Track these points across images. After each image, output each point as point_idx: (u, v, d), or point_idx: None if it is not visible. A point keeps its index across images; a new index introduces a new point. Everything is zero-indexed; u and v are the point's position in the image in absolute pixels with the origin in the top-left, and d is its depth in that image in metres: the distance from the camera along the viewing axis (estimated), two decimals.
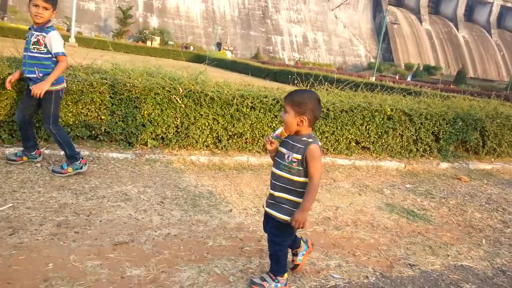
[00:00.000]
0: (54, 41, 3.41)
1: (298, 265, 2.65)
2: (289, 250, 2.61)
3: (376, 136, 5.61)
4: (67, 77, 3.99)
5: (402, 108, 5.60)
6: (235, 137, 4.86)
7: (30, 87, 3.44)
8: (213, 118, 4.64)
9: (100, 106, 4.13)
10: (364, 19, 77.22)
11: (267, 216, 2.45)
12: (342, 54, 74.61)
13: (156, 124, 4.40)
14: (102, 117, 4.18)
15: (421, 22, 75.49)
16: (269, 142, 2.38)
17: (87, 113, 4.11)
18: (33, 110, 3.65)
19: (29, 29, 3.48)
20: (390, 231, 3.55)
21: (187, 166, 4.42)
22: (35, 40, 3.38)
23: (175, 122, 4.48)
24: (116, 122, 4.25)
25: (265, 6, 71.76)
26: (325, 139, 5.33)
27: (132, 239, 2.82)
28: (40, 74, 3.43)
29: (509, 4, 79.02)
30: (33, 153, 3.76)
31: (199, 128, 4.62)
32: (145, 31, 57.35)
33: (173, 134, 4.54)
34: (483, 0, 78.27)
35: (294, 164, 2.25)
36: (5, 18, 49.35)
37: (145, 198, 3.50)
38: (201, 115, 4.57)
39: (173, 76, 4.78)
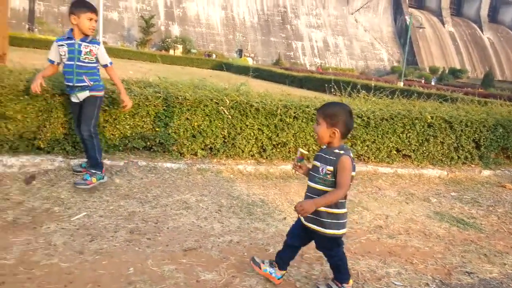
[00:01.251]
0: (104, 53, 3.65)
1: (259, 267, 2.59)
2: (274, 257, 2.61)
3: (417, 144, 5.65)
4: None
5: (442, 115, 5.63)
6: (279, 146, 4.99)
7: (76, 96, 3.61)
8: (258, 128, 4.79)
9: (154, 119, 4.34)
10: (384, 22, 76.54)
11: (304, 230, 2.47)
12: (364, 58, 74.05)
13: (205, 135, 4.58)
14: (157, 129, 4.38)
15: (443, 24, 74.32)
16: (298, 167, 2.51)
17: (143, 125, 4.32)
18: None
19: (67, 39, 3.52)
20: (443, 240, 3.60)
21: (235, 175, 4.58)
22: (87, 50, 3.54)
23: (222, 133, 4.65)
24: (169, 134, 4.45)
25: (284, 11, 72.01)
26: (366, 148, 5.41)
27: (200, 245, 2.98)
28: (91, 82, 3.60)
29: None
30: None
31: (245, 138, 4.78)
32: (167, 39, 58.37)
33: (221, 144, 4.71)
34: (507, 0, 76.45)
35: (328, 176, 2.30)
36: (35, 29, 51.13)
37: (204, 206, 3.66)
38: (247, 125, 4.72)
39: (217, 88, 4.96)
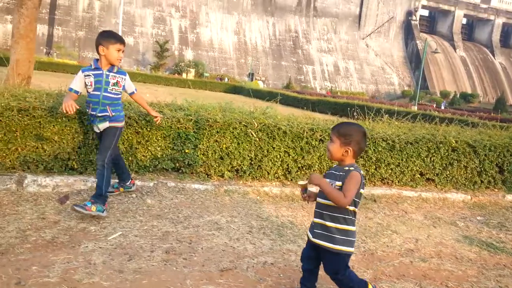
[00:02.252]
0: (130, 81, 3.72)
1: None
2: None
3: (440, 168, 5.65)
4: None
5: (466, 139, 5.64)
6: (304, 168, 5.03)
7: (97, 126, 3.59)
8: (285, 150, 4.85)
9: (185, 141, 4.43)
10: (395, 47, 77.22)
11: (314, 248, 2.47)
12: (374, 82, 74.43)
13: (233, 157, 4.65)
14: (186, 151, 4.47)
15: (455, 49, 74.69)
16: (307, 199, 2.55)
17: (173, 147, 4.41)
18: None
19: (94, 69, 3.51)
20: (475, 263, 3.57)
21: (262, 197, 4.61)
22: (115, 81, 3.54)
23: (249, 155, 4.72)
24: (198, 155, 4.53)
25: (295, 36, 73.21)
26: (390, 171, 5.41)
27: (235, 266, 2.99)
28: (113, 113, 3.57)
29: None
30: (128, 183, 4.01)
31: (271, 161, 4.84)
32: (180, 63, 59.60)
33: (247, 166, 4.77)
34: None
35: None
36: (53, 53, 52.62)
37: (235, 227, 3.69)
38: (274, 148, 4.79)
39: (244, 110, 5.06)
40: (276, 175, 4.95)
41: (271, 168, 4.87)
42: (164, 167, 4.45)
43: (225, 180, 4.75)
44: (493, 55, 76.41)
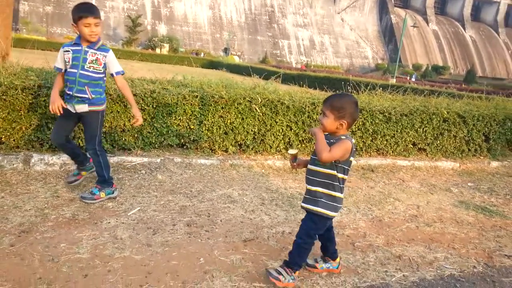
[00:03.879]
0: (114, 60, 3.27)
1: (315, 268, 2.68)
2: (322, 253, 2.72)
3: (432, 138, 5.87)
4: (161, 90, 4.29)
5: (457, 110, 5.86)
6: (305, 142, 5.14)
7: (73, 107, 3.24)
8: (287, 125, 4.92)
9: (190, 117, 4.43)
10: (370, 21, 77.39)
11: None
12: (349, 56, 74.77)
13: (237, 132, 4.69)
14: (192, 127, 4.48)
15: (427, 23, 75.56)
16: (296, 166, 2.61)
17: (179, 123, 4.41)
18: (69, 131, 3.47)
19: (74, 45, 3.18)
20: (474, 226, 3.80)
21: (266, 170, 4.70)
22: (94, 58, 3.17)
23: (253, 130, 4.77)
24: (203, 131, 4.55)
25: (271, 11, 72.20)
26: (385, 142, 5.59)
27: (256, 236, 3.10)
28: (92, 95, 3.21)
29: None
30: (87, 164, 3.61)
31: (273, 135, 4.91)
32: (154, 38, 57.96)
33: (251, 140, 4.83)
34: (489, 0, 78.21)
35: None
36: (18, 30, 50.14)
37: (248, 200, 3.78)
38: (276, 122, 4.85)
39: (244, 86, 5.07)
40: (278, 148, 5.03)
41: (273, 142, 4.95)
42: (170, 143, 4.46)
43: (229, 155, 4.81)
44: (464, 29, 77.85)
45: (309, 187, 2.47)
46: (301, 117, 4.93)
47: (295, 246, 2.48)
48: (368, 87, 6.21)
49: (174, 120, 4.37)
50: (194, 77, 5.01)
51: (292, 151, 2.60)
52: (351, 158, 2.38)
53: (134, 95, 4.13)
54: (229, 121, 4.60)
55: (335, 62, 72.21)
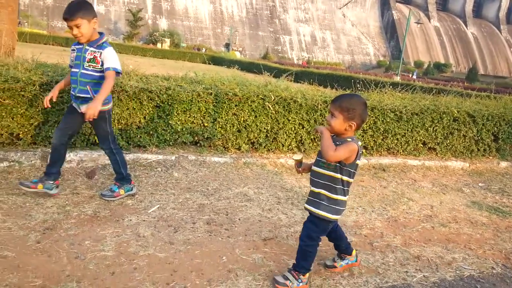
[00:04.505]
0: (110, 56, 3.09)
1: (335, 267, 2.69)
2: (336, 252, 2.74)
3: (442, 137, 5.89)
4: (176, 87, 4.30)
5: (467, 110, 5.87)
6: (316, 140, 5.15)
7: (78, 107, 3.18)
8: (299, 123, 4.93)
9: (204, 114, 4.44)
10: (372, 17, 77.24)
11: None
12: (351, 52, 74.69)
13: (250, 129, 4.71)
14: (205, 124, 4.49)
15: (429, 19, 75.41)
16: (301, 171, 2.60)
17: (193, 121, 4.42)
18: (74, 130, 3.32)
19: (78, 44, 3.12)
20: (489, 227, 3.83)
21: (279, 168, 4.72)
22: (91, 57, 3.07)
23: (266, 127, 4.79)
24: (216, 129, 4.56)
25: (272, 6, 72.00)
26: (396, 141, 5.61)
27: (275, 235, 3.12)
28: (95, 94, 3.08)
29: None
30: (51, 182, 3.25)
31: (286, 133, 4.92)
32: (155, 33, 57.78)
33: (263, 138, 4.84)
34: None
35: None
36: (20, 24, 49.93)
37: (264, 199, 3.80)
38: (289, 120, 4.87)
39: (257, 83, 5.08)
40: (290, 147, 5.05)
41: (285, 140, 4.96)
42: (184, 140, 4.47)
43: (242, 153, 4.82)
44: (466, 25, 77.75)
45: (313, 188, 2.44)
46: (313, 115, 4.94)
47: (299, 249, 2.46)
48: (378, 86, 6.21)
49: (189, 117, 4.38)
50: (205, 74, 5.00)
51: (296, 157, 2.58)
52: (357, 161, 2.34)
53: (150, 91, 4.15)
54: (242, 118, 4.61)
55: (337, 58, 72.13)
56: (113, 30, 60.20)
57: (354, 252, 2.75)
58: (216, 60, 35.67)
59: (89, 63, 3.08)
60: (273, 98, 4.68)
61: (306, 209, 2.49)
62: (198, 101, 4.34)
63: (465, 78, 50.38)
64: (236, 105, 4.54)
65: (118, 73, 3.14)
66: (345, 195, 2.39)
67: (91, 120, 3.02)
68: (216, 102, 4.45)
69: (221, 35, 66.85)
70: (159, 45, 52.42)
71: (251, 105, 4.61)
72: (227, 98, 4.47)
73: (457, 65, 72.84)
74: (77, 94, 3.13)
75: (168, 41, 56.67)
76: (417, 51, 73.94)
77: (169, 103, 4.23)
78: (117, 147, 3.43)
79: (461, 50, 76.62)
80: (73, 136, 3.43)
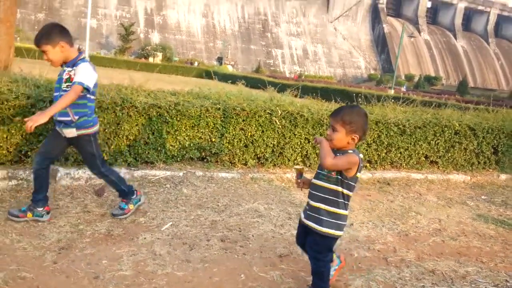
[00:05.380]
0: (80, 70, 2.92)
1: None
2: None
3: (444, 151, 5.95)
4: (185, 103, 4.32)
5: (467, 123, 5.96)
6: None
7: (61, 131, 3.03)
8: (305, 137, 4.96)
9: (212, 130, 4.46)
10: (363, 30, 78.34)
11: (303, 228, 2.46)
12: (342, 66, 75.47)
13: (257, 144, 4.72)
14: (213, 140, 4.50)
15: (419, 32, 76.69)
16: (301, 185, 2.53)
17: (201, 136, 4.43)
18: (56, 155, 3.22)
19: (61, 66, 3.04)
20: (497, 240, 3.86)
21: (286, 183, 4.73)
22: (67, 77, 2.95)
23: (272, 142, 4.81)
24: (224, 144, 4.57)
25: (264, 19, 72.77)
26: (399, 155, 5.66)
27: (290, 252, 3.11)
28: (76, 117, 2.96)
29: (505, 13, 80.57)
30: (41, 209, 3.11)
31: (292, 148, 4.95)
32: (147, 47, 57.90)
33: (270, 153, 4.86)
34: (480, 10, 79.73)
35: (332, 173, 2.27)
36: (16, 38, 49.66)
37: (275, 214, 3.80)
38: (295, 135, 4.90)
39: (262, 98, 5.12)
40: (295, 161, 5.07)
41: (291, 155, 4.98)
42: (191, 156, 4.47)
43: (248, 168, 4.83)
44: (455, 38, 79.17)
45: (312, 202, 2.38)
46: (319, 129, 4.98)
47: (312, 270, 2.43)
48: (381, 100, 6.29)
49: (197, 132, 4.39)
50: (210, 89, 5.03)
51: (298, 167, 2.56)
52: (358, 174, 2.28)
53: (159, 107, 4.15)
54: (249, 133, 4.63)
55: (328, 72, 72.79)
56: (105, 44, 60.30)
57: (333, 256, 2.65)
58: (209, 74, 35.82)
59: (66, 84, 2.95)
60: (280, 112, 4.72)
61: (305, 224, 2.41)
62: (206, 116, 4.36)
63: (455, 90, 51.20)
64: (243, 120, 4.56)
65: (86, 89, 2.91)
66: (346, 209, 2.34)
67: (32, 132, 2.83)
68: (224, 117, 4.47)
69: (213, 49, 67.29)
70: (151, 59, 52.49)
71: (258, 120, 4.64)
72: (235, 113, 4.49)
73: (447, 78, 73.94)
74: (58, 118, 2.98)
75: (160, 55, 56.80)
76: (407, 64, 74.97)
77: (178, 119, 4.24)
78: (107, 167, 3.29)
79: (451, 63, 77.87)
80: (54, 160, 3.30)
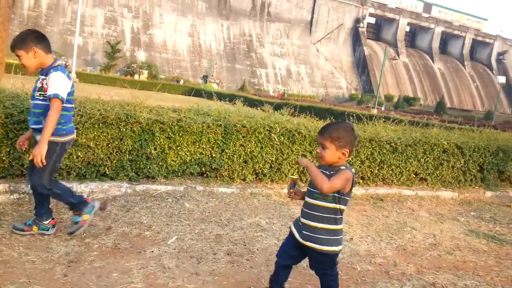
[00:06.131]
0: (53, 81, 2.83)
1: None
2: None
3: (432, 168, 6.15)
4: (187, 119, 4.39)
5: (455, 141, 6.19)
6: None
7: (34, 138, 2.98)
8: (302, 154, 5.07)
9: (213, 145, 4.52)
10: (344, 52, 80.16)
11: (297, 246, 2.40)
12: (324, 86, 76.78)
13: (256, 160, 4.81)
14: (214, 155, 4.56)
15: (398, 55, 78.93)
16: (293, 194, 2.50)
17: (201, 152, 4.49)
18: None
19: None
20: (490, 254, 4.00)
21: (284, 199, 4.80)
22: (40, 85, 2.89)
23: (271, 158, 4.90)
24: (224, 160, 4.64)
25: (249, 40, 73.82)
26: (391, 172, 5.82)
27: (296, 265, 3.16)
28: None
29: (479, 38, 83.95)
30: (46, 222, 3.09)
31: (289, 164, 5.04)
32: (133, 64, 57.89)
33: (268, 169, 4.94)
34: (456, 34, 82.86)
35: None
36: None
37: (276, 229, 3.86)
38: (293, 151, 5.00)
39: (259, 115, 5.23)
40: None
41: (288, 170, 5.07)
42: (192, 171, 4.52)
43: (246, 183, 4.89)
44: (433, 61, 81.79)
45: (308, 222, 2.31)
46: (316, 146, 5.09)
47: (321, 285, 2.44)
48: (373, 119, 6.49)
49: (198, 148, 4.46)
50: (209, 106, 5.12)
51: (293, 176, 2.57)
52: (353, 189, 2.29)
53: (162, 123, 4.21)
54: (249, 149, 4.72)
55: (311, 91, 73.91)
56: (90, 61, 59.98)
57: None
58: (196, 92, 35.96)
59: (39, 92, 2.89)
60: (278, 129, 4.83)
61: (304, 245, 2.33)
62: (208, 132, 4.43)
63: (433, 111, 52.68)
64: (243, 136, 4.65)
65: (60, 99, 2.83)
66: (342, 224, 2.35)
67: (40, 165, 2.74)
68: (225, 134, 4.55)
69: (199, 68, 67.67)
70: (136, 77, 52.41)
71: (258, 137, 4.73)
72: (235, 129, 4.58)
73: (425, 99, 75.97)
74: (32, 126, 2.94)
75: (145, 72, 56.81)
76: (387, 85, 76.78)
77: (180, 134, 4.29)
78: (50, 183, 3.01)
79: (429, 85, 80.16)
80: None
